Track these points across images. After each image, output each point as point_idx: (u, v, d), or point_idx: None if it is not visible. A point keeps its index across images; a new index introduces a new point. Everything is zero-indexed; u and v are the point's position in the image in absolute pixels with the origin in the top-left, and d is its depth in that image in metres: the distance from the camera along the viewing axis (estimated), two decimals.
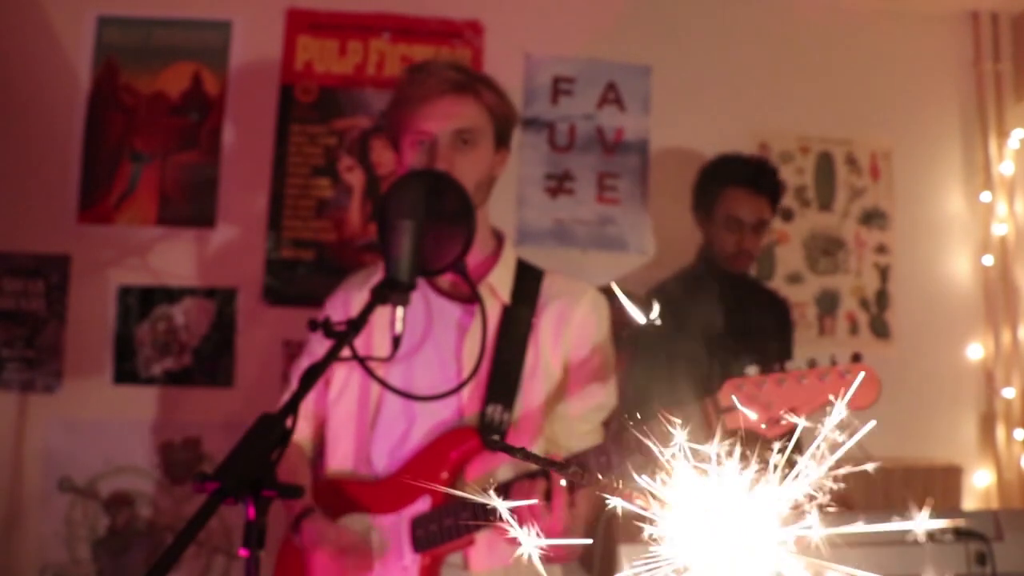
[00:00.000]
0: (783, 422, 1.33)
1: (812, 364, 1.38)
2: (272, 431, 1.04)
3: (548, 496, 1.44)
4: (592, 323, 1.67)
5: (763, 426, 1.35)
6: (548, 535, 1.47)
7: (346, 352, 1.24)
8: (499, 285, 1.66)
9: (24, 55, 2.81)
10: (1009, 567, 1.71)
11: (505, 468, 1.58)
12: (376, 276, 1.71)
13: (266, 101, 2.87)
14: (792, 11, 3.07)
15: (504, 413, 1.57)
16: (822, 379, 1.34)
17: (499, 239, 1.73)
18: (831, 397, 1.30)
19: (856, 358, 1.36)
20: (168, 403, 2.76)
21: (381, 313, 1.39)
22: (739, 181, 2.55)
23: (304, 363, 1.73)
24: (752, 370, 1.37)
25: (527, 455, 1.18)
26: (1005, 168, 3.09)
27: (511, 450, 1.28)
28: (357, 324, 1.23)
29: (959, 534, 1.72)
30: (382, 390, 1.62)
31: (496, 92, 1.65)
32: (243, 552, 0.97)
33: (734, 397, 1.37)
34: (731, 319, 2.57)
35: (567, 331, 1.65)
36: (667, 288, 2.67)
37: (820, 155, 3.08)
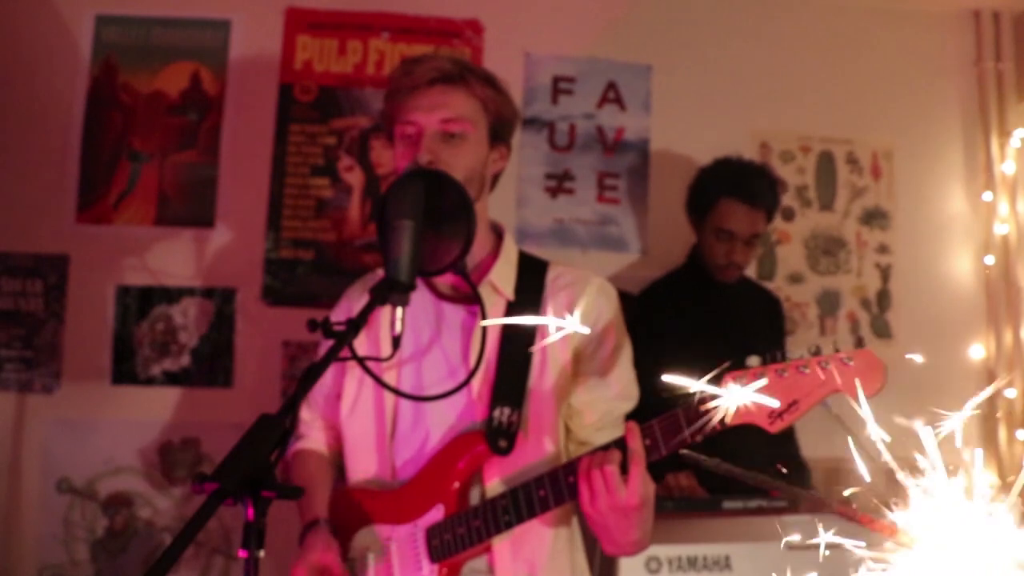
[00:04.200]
0: (785, 416, 1.28)
1: (816, 351, 1.32)
2: (271, 431, 1.03)
3: (624, 467, 1.36)
4: (601, 309, 1.62)
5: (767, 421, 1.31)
6: (625, 509, 1.34)
7: (346, 352, 1.23)
8: (501, 282, 1.62)
9: (23, 54, 2.80)
10: None
11: (525, 470, 1.55)
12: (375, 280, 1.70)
13: (265, 100, 2.86)
14: (792, 11, 3.07)
15: (512, 414, 1.53)
16: (824, 368, 1.28)
17: (499, 234, 1.69)
18: (834, 387, 1.24)
19: (859, 343, 1.32)
20: (167, 404, 2.75)
21: (387, 316, 1.37)
22: (736, 193, 2.48)
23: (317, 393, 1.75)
24: (754, 360, 1.32)
25: (720, 466, 1.13)
26: (1007, 167, 3.09)
27: (702, 462, 1.21)
28: (357, 324, 1.22)
29: None
30: (396, 402, 1.61)
31: (493, 87, 1.61)
32: (242, 553, 0.96)
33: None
34: (721, 318, 2.55)
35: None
36: (657, 288, 2.66)
37: (821, 155, 3.07)
